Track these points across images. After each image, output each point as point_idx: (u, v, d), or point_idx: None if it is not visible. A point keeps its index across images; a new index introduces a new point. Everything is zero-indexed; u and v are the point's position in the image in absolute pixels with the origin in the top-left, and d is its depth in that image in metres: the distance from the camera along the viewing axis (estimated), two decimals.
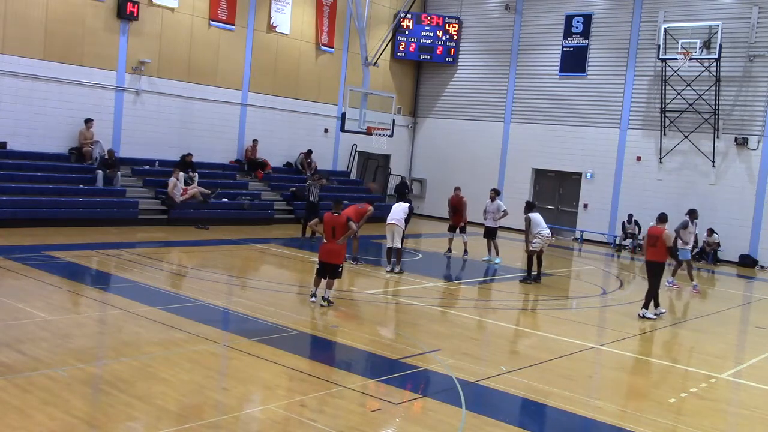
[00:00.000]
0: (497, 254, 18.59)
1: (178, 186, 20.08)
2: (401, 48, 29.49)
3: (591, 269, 20.24)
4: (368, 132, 22.22)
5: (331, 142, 27.49)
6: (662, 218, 13.42)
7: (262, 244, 18.39)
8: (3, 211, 16.80)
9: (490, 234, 18.70)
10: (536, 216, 15.94)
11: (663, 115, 24.35)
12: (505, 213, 18.62)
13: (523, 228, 16.08)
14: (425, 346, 9.73)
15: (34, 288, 11.22)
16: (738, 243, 23.12)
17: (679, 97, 23.95)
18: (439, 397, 7.72)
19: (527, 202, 16.78)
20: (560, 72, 27.02)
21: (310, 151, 25.85)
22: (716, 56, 22.79)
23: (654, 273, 12.98)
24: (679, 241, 16.64)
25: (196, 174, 21.27)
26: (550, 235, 16.14)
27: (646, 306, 13.06)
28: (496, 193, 19.11)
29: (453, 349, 9.66)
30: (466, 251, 18.85)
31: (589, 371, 9.68)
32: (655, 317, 12.99)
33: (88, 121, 19.80)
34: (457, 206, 19.10)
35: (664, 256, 12.99)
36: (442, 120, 30.25)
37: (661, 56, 23.92)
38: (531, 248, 15.77)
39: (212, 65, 23.19)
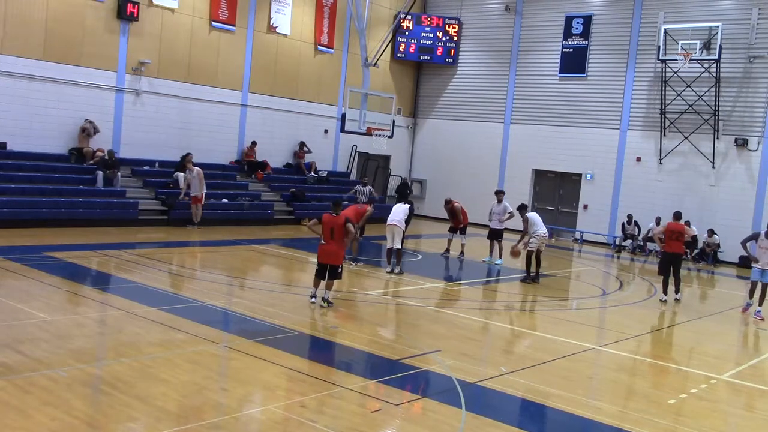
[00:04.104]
0: (500, 256, 18.58)
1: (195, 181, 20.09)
2: (401, 49, 29.50)
3: (591, 270, 20.24)
4: (368, 133, 22.22)
5: (331, 142, 27.49)
6: (679, 215, 15.34)
7: (262, 245, 18.39)
8: (3, 211, 16.79)
9: (496, 236, 18.69)
10: (534, 215, 16.14)
11: (663, 116, 24.35)
12: (511, 215, 18.58)
13: (520, 227, 16.20)
14: (425, 347, 9.73)
15: (34, 288, 11.21)
16: (738, 244, 22.95)
17: (679, 98, 23.95)
18: (439, 397, 7.72)
19: (521, 205, 16.94)
20: (560, 73, 27.02)
21: (302, 143, 25.85)
22: (716, 57, 22.80)
23: (678, 263, 15.02)
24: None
25: None
26: (547, 234, 16.22)
27: (677, 291, 15.03)
28: (503, 195, 19.14)
29: (453, 350, 9.66)
30: (462, 252, 18.88)
31: (589, 372, 9.68)
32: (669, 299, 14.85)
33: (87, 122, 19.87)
34: (451, 213, 19.15)
35: (683, 248, 15.69)
36: (442, 121, 30.25)
37: (661, 57, 23.93)
38: (528, 248, 15.82)
39: (212, 66, 23.19)
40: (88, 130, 19.88)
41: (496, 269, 18.06)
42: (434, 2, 30.60)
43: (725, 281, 20.47)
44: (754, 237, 14.47)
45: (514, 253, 16.19)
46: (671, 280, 14.95)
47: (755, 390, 9.44)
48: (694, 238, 22.30)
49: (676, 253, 14.90)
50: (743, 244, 14.83)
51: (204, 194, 19.96)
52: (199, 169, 19.99)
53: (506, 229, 19.14)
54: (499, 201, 18.85)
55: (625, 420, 7.55)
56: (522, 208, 16.60)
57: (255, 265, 16.21)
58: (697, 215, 23.15)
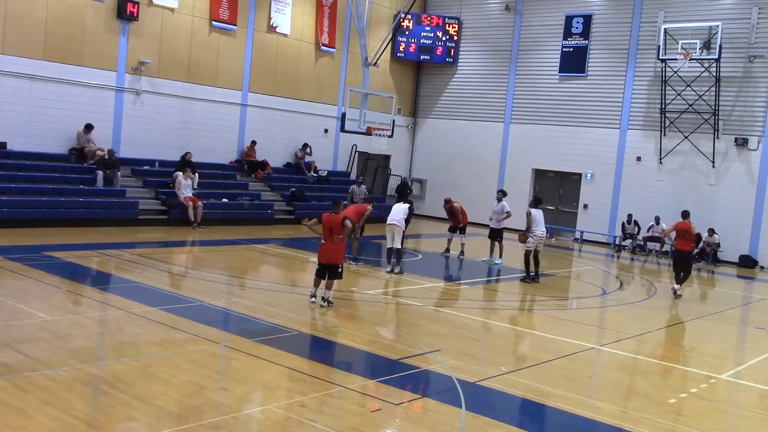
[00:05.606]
0: (500, 255, 18.56)
1: (183, 185, 20.11)
2: (401, 48, 29.49)
3: (591, 270, 20.24)
4: (368, 132, 22.21)
5: (331, 142, 27.49)
6: (687, 214, 16.03)
7: (262, 245, 18.39)
8: (3, 211, 16.79)
9: (495, 235, 18.67)
10: (538, 213, 15.98)
11: (663, 115, 24.35)
12: (508, 215, 18.48)
13: (521, 227, 16.23)
14: (425, 347, 9.73)
15: (34, 288, 11.21)
16: (738, 243, 23.12)
17: (679, 97, 23.95)
18: (439, 397, 7.72)
19: (534, 197, 16.99)
20: (560, 72, 27.02)
21: (306, 145, 25.89)
22: (716, 57, 22.80)
23: (688, 260, 15.93)
24: None
25: (196, 174, 21.21)
26: (544, 235, 16.19)
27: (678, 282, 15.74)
28: (502, 194, 19.11)
29: (453, 350, 9.66)
30: (462, 252, 18.88)
31: (589, 372, 9.68)
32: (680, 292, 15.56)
33: (88, 127, 19.88)
34: (451, 212, 19.15)
35: (692, 245, 16.36)
36: (442, 120, 30.25)
37: (661, 57, 23.93)
38: (526, 248, 15.83)
39: (212, 65, 23.19)
40: (85, 137, 19.95)
41: (496, 269, 18.06)
42: (434, 2, 30.59)
43: (725, 281, 20.48)
44: None
45: (521, 239, 16.27)
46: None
47: (755, 389, 9.44)
48: (699, 236, 22.30)
49: (684, 251, 15.80)
50: None
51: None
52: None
53: (505, 228, 19.12)
54: (498, 200, 18.82)
55: (625, 420, 7.55)
56: (536, 202, 16.46)
57: (255, 265, 16.22)
58: (697, 215, 23.04)
